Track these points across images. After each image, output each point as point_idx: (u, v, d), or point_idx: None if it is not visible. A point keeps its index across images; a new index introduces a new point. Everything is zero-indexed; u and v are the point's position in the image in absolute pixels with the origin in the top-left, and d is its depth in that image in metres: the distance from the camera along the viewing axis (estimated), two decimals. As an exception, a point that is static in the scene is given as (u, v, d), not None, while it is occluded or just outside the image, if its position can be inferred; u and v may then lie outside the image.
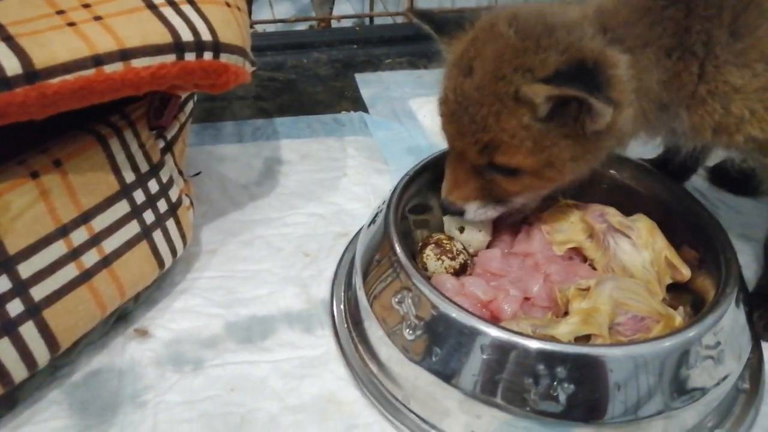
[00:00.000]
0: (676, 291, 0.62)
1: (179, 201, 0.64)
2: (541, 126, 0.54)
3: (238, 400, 0.56)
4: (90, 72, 0.47)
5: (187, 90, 0.61)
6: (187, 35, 0.53)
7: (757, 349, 0.60)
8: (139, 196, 0.59)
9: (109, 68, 0.48)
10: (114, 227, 0.57)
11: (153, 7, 0.53)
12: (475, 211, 0.61)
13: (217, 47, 0.56)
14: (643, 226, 0.63)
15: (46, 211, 0.52)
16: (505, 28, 0.54)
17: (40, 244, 0.51)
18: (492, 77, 0.53)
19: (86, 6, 0.50)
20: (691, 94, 0.56)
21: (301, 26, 1.49)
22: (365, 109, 0.99)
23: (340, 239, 0.74)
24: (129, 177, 0.58)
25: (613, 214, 0.64)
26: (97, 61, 0.48)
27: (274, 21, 1.34)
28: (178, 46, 0.53)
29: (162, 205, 0.62)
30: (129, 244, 0.58)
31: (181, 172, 0.68)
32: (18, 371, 0.51)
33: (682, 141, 0.61)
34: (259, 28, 1.27)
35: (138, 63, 0.50)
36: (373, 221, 0.63)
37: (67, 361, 0.57)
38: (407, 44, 1.18)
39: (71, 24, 0.48)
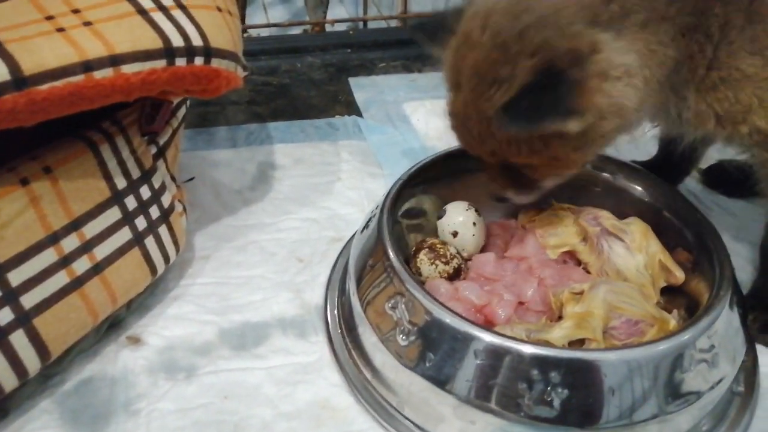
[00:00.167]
0: (670, 294, 0.62)
1: (172, 207, 0.64)
2: (528, 135, 0.53)
3: (232, 408, 0.56)
4: (79, 78, 0.47)
5: (179, 95, 0.61)
6: (177, 40, 0.53)
7: (751, 352, 0.60)
8: (130, 203, 0.59)
9: (98, 74, 0.48)
10: (105, 234, 0.56)
11: (143, 13, 0.52)
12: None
13: (208, 52, 0.55)
14: (636, 229, 0.63)
15: (36, 219, 0.51)
16: (479, 35, 0.53)
17: (30, 251, 0.51)
18: (474, 93, 0.53)
19: (76, 11, 0.50)
20: (702, 79, 0.55)
21: (295, 30, 1.50)
22: (359, 113, 0.99)
23: (334, 244, 0.73)
24: (120, 183, 0.58)
25: (607, 218, 0.64)
26: (87, 67, 0.48)
27: (268, 25, 1.34)
28: (168, 52, 0.52)
29: (154, 212, 0.61)
30: (121, 251, 0.58)
31: (173, 178, 0.68)
32: (8, 380, 0.51)
33: (685, 129, 0.60)
34: (253, 32, 1.27)
35: (128, 69, 0.50)
36: (366, 226, 0.63)
37: (58, 370, 0.57)
38: (401, 48, 1.18)
39: (60, 30, 0.48)
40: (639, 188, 0.68)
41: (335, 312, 0.64)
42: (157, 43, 0.52)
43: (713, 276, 0.56)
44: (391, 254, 0.56)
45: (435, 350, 0.51)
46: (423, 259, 0.62)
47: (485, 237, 0.67)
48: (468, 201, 0.67)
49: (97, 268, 0.56)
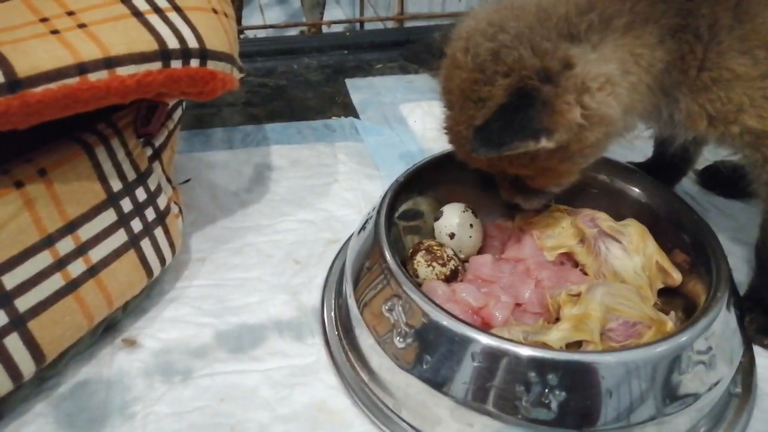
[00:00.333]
0: (668, 295, 0.62)
1: (167, 209, 0.64)
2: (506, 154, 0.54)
3: (228, 411, 0.56)
4: (74, 80, 0.47)
5: (174, 97, 0.61)
6: (173, 43, 0.53)
7: (748, 353, 0.60)
8: (126, 205, 0.59)
9: (93, 76, 0.48)
10: (101, 236, 0.56)
11: (138, 15, 0.52)
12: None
13: (204, 54, 0.55)
14: (633, 230, 0.63)
15: (30, 221, 0.51)
16: (463, 57, 0.54)
17: (24, 254, 0.50)
18: (462, 113, 0.55)
19: (70, 14, 0.50)
20: (694, 80, 0.55)
21: (292, 31, 1.50)
22: (356, 115, 0.99)
23: (330, 246, 0.73)
24: (116, 185, 0.58)
25: (604, 219, 0.64)
26: (82, 69, 0.47)
27: (265, 26, 1.34)
28: (164, 54, 0.52)
29: (150, 214, 0.61)
30: (116, 254, 0.58)
31: (169, 180, 0.67)
32: (2, 384, 0.51)
33: (677, 131, 0.60)
34: (250, 33, 1.27)
35: (123, 71, 0.50)
36: (363, 228, 0.63)
37: (53, 373, 0.57)
38: (398, 49, 1.18)
39: (55, 32, 0.48)
40: (636, 190, 0.68)
41: (332, 314, 0.64)
42: (152, 45, 0.51)
43: (710, 277, 0.56)
44: (388, 256, 0.56)
45: (432, 352, 0.50)
46: (420, 261, 0.62)
47: (482, 238, 0.67)
48: (465, 203, 0.67)
49: (92, 271, 0.55)
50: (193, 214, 0.76)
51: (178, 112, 0.70)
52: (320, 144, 0.91)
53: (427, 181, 0.68)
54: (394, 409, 0.54)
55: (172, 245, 0.64)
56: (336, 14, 1.78)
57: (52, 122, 0.48)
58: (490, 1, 0.59)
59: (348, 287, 0.59)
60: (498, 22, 0.54)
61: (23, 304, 0.50)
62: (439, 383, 0.50)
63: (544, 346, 0.52)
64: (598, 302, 0.55)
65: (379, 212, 0.61)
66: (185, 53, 0.54)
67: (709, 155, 0.80)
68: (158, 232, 0.62)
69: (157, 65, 0.52)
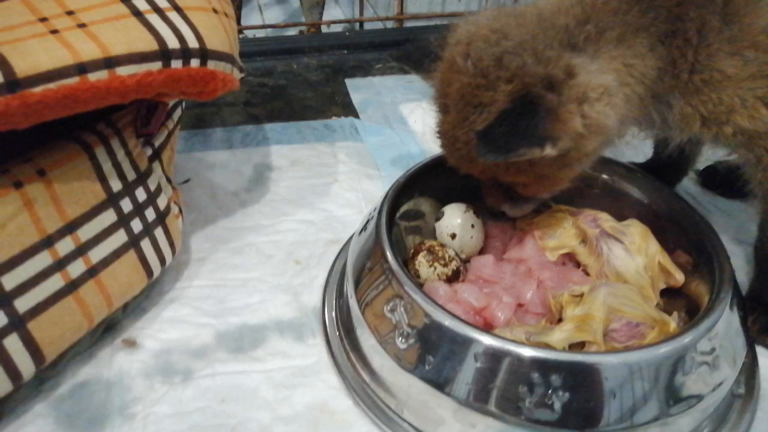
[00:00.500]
0: (670, 296, 0.61)
1: (167, 209, 0.64)
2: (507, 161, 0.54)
3: (229, 411, 0.55)
4: (74, 80, 0.47)
5: (174, 97, 0.61)
6: (173, 42, 0.52)
7: (751, 353, 0.60)
8: (126, 205, 0.58)
9: (93, 76, 0.48)
10: (101, 237, 0.56)
11: (138, 15, 0.52)
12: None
13: (204, 54, 0.55)
14: (636, 231, 0.62)
15: (30, 222, 0.51)
16: (463, 62, 0.54)
17: (24, 255, 0.50)
18: (461, 117, 0.54)
19: (70, 13, 0.49)
20: (685, 83, 0.55)
21: (291, 31, 1.49)
22: (356, 115, 0.99)
23: (331, 246, 0.73)
24: (116, 185, 0.57)
25: (606, 219, 0.64)
26: (81, 69, 0.47)
27: (264, 26, 1.34)
28: (164, 54, 0.52)
29: (150, 214, 0.61)
30: (116, 254, 0.57)
31: (169, 180, 0.67)
32: (2, 385, 0.50)
33: (672, 133, 0.60)
34: (249, 33, 1.27)
35: (123, 71, 0.49)
36: (364, 228, 0.63)
37: (53, 374, 0.56)
38: (398, 49, 1.17)
39: (54, 32, 0.47)
40: (638, 190, 0.67)
41: (333, 314, 0.63)
42: (152, 45, 0.51)
43: (713, 278, 0.56)
44: (390, 256, 0.56)
45: (434, 353, 0.50)
46: (421, 261, 0.62)
47: (484, 239, 0.66)
48: (466, 203, 0.67)
49: (92, 272, 0.55)
50: (193, 214, 0.76)
51: (178, 112, 0.70)
52: (320, 144, 0.91)
53: (428, 182, 0.68)
54: (395, 409, 0.54)
55: (172, 245, 0.64)
56: (335, 14, 1.78)
57: (51, 122, 0.48)
58: (488, 7, 0.59)
59: (349, 287, 0.59)
60: (500, 29, 0.54)
61: (23, 304, 0.50)
62: (441, 384, 0.50)
63: (547, 346, 0.52)
64: (600, 303, 0.55)
65: (380, 212, 0.60)
66: (185, 53, 0.53)
67: (709, 155, 0.80)
68: (158, 233, 0.62)
69: (157, 65, 0.52)
